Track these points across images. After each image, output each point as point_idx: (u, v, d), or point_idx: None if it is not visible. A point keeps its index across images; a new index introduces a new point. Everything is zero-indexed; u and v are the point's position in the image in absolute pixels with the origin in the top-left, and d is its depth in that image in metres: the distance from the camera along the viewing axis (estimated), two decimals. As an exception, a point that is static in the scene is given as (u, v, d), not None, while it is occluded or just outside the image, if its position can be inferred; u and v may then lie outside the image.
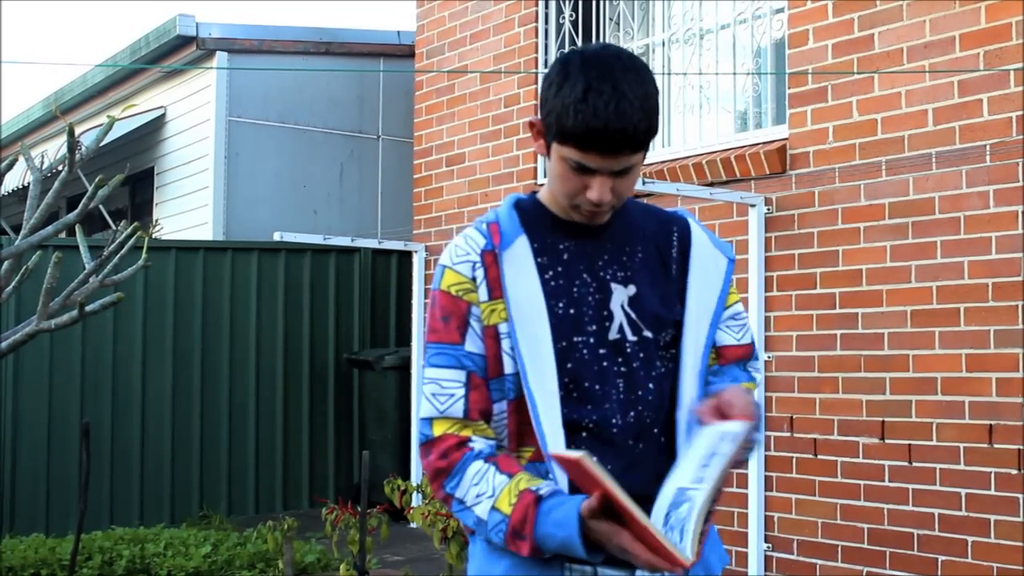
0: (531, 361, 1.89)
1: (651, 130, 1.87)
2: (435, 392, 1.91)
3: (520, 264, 1.93)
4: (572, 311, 1.94)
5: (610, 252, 2.00)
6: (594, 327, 1.95)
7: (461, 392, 1.90)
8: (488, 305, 1.92)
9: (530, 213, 2.01)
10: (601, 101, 1.81)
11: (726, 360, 2.07)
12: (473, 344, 1.92)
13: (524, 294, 1.91)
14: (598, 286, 1.97)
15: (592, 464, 1.68)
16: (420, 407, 1.94)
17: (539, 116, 1.94)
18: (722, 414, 1.87)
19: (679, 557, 1.71)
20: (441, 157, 8.33)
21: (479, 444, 1.90)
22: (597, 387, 1.93)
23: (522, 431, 1.92)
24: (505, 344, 1.91)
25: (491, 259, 1.93)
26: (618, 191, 1.91)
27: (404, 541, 7.37)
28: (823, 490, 5.70)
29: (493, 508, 1.84)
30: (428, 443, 1.92)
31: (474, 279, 1.93)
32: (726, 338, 2.07)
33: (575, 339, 1.93)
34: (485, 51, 7.98)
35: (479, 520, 1.86)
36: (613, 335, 1.96)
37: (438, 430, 1.90)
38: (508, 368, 1.91)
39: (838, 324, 5.67)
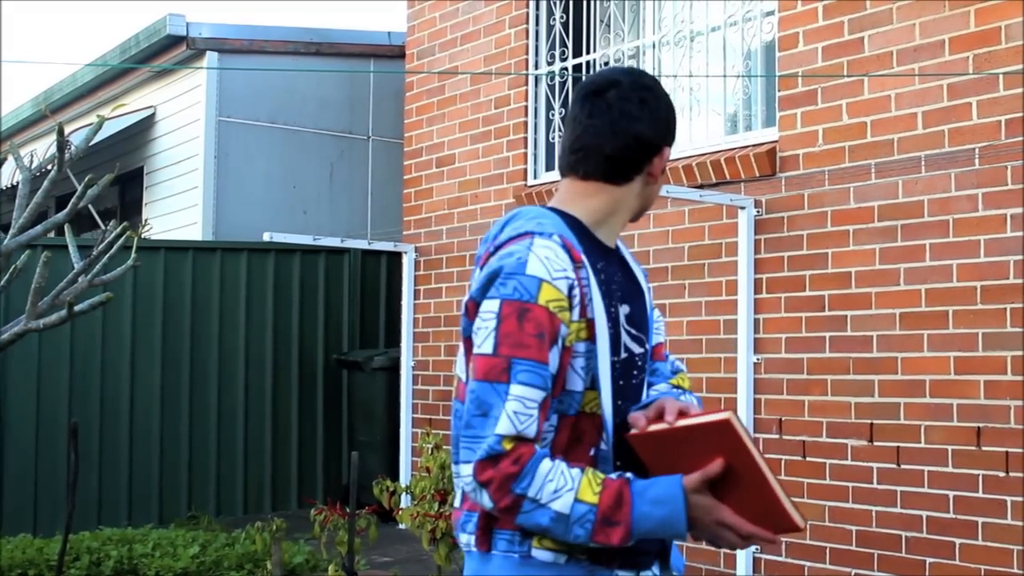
0: (603, 379, 1.95)
1: None
2: (517, 411, 1.86)
3: (596, 286, 1.97)
4: (612, 331, 1.99)
5: (619, 273, 2.08)
6: (616, 344, 2.03)
7: (537, 413, 1.88)
8: (576, 324, 1.93)
9: (578, 233, 2.02)
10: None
11: (656, 357, 2.20)
12: (554, 364, 1.91)
13: (600, 316, 1.96)
14: (616, 307, 2.04)
15: (739, 424, 1.78)
16: (495, 419, 1.86)
17: (666, 143, 2.05)
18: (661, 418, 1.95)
19: (796, 519, 1.79)
20: (431, 158, 8.32)
21: (543, 450, 1.92)
22: (620, 402, 2.00)
23: (571, 447, 1.95)
24: (577, 363, 1.93)
25: (579, 278, 1.94)
26: None
27: (393, 542, 7.37)
28: (812, 492, 5.70)
29: (577, 500, 1.83)
30: (496, 456, 1.86)
31: (570, 298, 1.92)
32: (656, 339, 2.20)
33: (613, 359, 1.99)
34: (476, 52, 7.97)
35: (557, 516, 1.84)
36: (623, 353, 2.03)
37: (508, 445, 1.86)
38: (575, 386, 1.94)
39: (827, 326, 5.68)
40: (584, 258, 1.95)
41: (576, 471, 1.86)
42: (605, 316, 1.96)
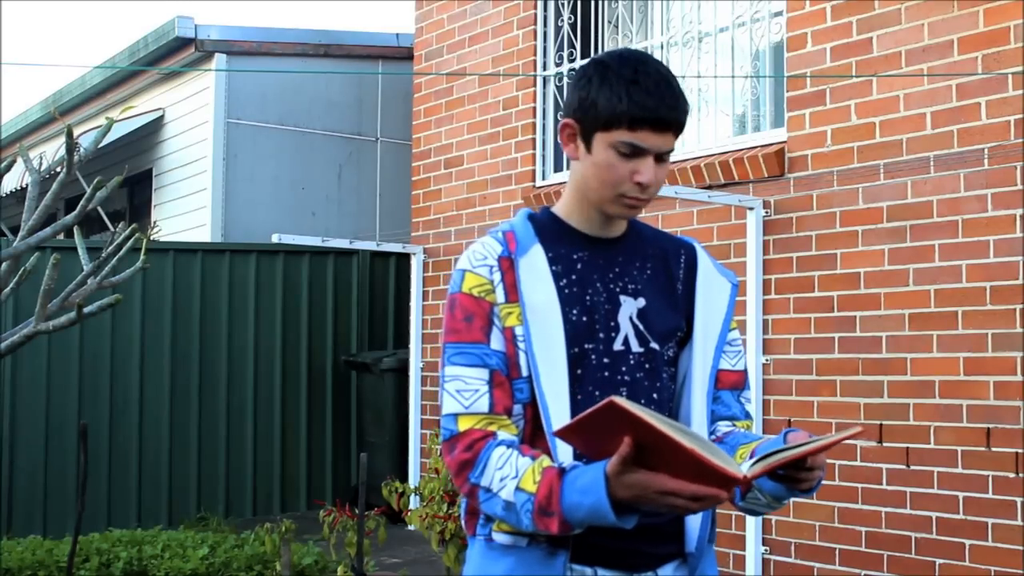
0: (544, 365, 1.92)
1: (688, 116, 1.98)
2: (459, 388, 1.93)
3: (536, 271, 1.98)
4: (585, 318, 1.98)
5: (621, 265, 2.05)
6: (602, 335, 1.99)
7: (485, 388, 1.92)
8: (505, 307, 1.96)
9: (544, 225, 2.06)
10: (652, 81, 1.93)
11: (721, 385, 2.11)
12: (497, 343, 1.95)
13: (540, 299, 1.95)
14: (608, 297, 2.01)
15: (626, 402, 1.67)
16: (443, 404, 1.95)
17: (571, 116, 1.99)
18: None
19: (731, 471, 1.68)
20: (439, 159, 8.33)
21: (503, 436, 1.91)
22: (598, 393, 1.95)
23: (536, 436, 1.94)
24: (521, 346, 1.95)
25: (507, 264, 1.98)
26: (659, 177, 1.97)
27: (402, 543, 7.37)
28: (821, 493, 5.69)
29: (518, 488, 1.83)
30: (453, 438, 1.92)
31: (492, 281, 1.97)
32: (722, 362, 2.11)
33: (587, 346, 1.97)
34: (483, 53, 7.98)
35: (507, 504, 1.85)
36: (618, 346, 1.99)
37: (463, 425, 1.91)
38: (524, 371, 1.94)
39: (836, 327, 5.67)
40: (524, 245, 1.99)
41: (526, 460, 1.85)
42: (556, 300, 1.95)
